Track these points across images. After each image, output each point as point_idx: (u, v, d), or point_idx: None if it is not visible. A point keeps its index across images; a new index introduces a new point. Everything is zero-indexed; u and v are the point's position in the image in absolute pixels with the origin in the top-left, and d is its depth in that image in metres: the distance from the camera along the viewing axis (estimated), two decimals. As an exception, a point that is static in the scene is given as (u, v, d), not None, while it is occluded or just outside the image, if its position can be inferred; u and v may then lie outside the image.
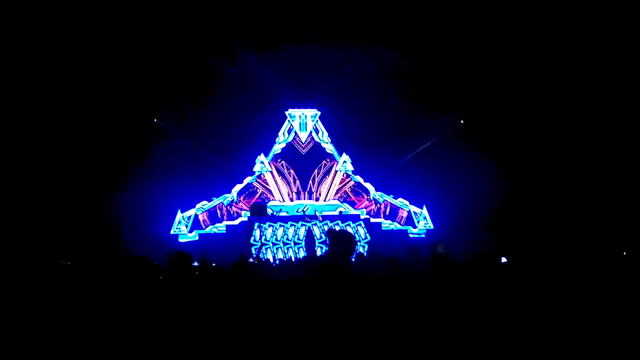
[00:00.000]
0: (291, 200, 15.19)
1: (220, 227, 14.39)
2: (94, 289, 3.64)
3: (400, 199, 15.33)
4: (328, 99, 15.52)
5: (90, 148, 12.21)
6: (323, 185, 15.43)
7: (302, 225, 13.01)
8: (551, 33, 11.41)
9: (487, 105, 13.69)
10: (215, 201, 14.77)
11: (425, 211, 14.91)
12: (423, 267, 3.91)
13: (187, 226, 14.06)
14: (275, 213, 13.90)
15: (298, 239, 12.80)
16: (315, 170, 15.51)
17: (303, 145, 15.74)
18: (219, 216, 14.66)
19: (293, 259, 11.56)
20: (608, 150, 12.42)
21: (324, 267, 2.72)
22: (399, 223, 15.07)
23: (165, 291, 3.50)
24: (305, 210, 14.41)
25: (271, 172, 15.31)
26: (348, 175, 15.61)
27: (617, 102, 12.04)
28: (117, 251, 10.78)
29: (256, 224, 12.89)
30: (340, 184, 15.50)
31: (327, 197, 15.35)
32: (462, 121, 14.76)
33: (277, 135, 15.76)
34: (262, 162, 15.28)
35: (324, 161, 15.65)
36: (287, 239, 12.83)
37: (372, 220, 14.40)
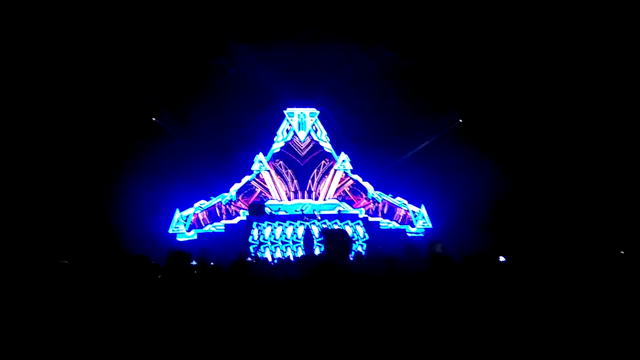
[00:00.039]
0: (289, 199, 15.20)
1: (218, 226, 14.40)
2: (93, 288, 3.63)
3: (399, 198, 15.35)
4: (327, 99, 15.53)
5: (89, 146, 12.20)
6: (322, 185, 15.44)
7: (300, 224, 13.02)
8: (549, 32, 11.42)
9: (485, 104, 13.70)
10: (214, 200, 14.77)
11: (423, 210, 14.93)
12: (421, 266, 3.91)
13: (185, 225, 14.06)
14: (273, 212, 13.90)
15: (296, 238, 12.80)
16: (315, 170, 15.52)
17: (301, 145, 15.74)
18: (218, 215, 14.67)
19: (291, 258, 11.56)
20: (607, 149, 12.43)
21: (322, 266, 2.72)
22: (397, 222, 15.09)
23: (164, 290, 3.50)
24: (303, 209, 14.42)
25: (269, 171, 15.31)
26: (347, 175, 15.63)
27: (616, 101, 12.06)
28: (116, 250, 10.77)
29: (254, 223, 12.89)
30: (339, 183, 15.51)
31: (326, 197, 15.36)
32: (460, 120, 14.78)
33: (276, 134, 15.77)
34: (260, 161, 15.29)
35: (323, 161, 15.66)
36: (286, 238, 12.83)
37: (371, 219, 14.42)
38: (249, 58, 13.68)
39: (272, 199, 15.08)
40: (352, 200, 15.46)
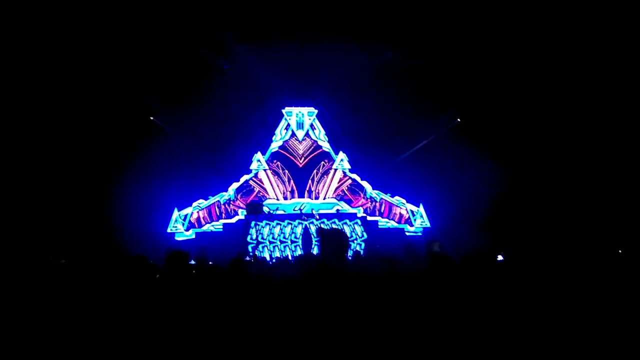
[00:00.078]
0: (285, 198, 15.20)
1: (217, 226, 14.38)
2: (91, 288, 3.63)
3: (397, 197, 15.36)
4: (326, 98, 15.53)
5: (86, 146, 12.18)
6: (322, 185, 15.45)
7: (299, 223, 13.02)
8: (547, 32, 11.44)
9: (484, 103, 13.72)
10: (212, 199, 14.76)
11: (422, 209, 14.95)
12: (419, 265, 3.93)
13: (184, 225, 14.05)
14: (271, 211, 13.90)
15: (295, 237, 12.81)
16: (314, 171, 15.54)
17: (300, 144, 15.74)
18: (216, 214, 14.66)
19: (290, 257, 11.57)
20: (605, 148, 12.47)
21: (320, 265, 2.72)
22: (396, 221, 15.10)
23: (162, 290, 3.50)
24: (302, 208, 14.41)
25: (265, 171, 15.32)
26: (345, 174, 15.64)
27: (615, 100, 12.08)
28: (114, 250, 10.75)
29: (253, 223, 12.89)
30: (338, 182, 15.52)
31: (325, 196, 15.37)
32: (458, 119, 14.80)
33: (274, 134, 15.77)
34: (259, 160, 15.29)
35: (322, 162, 15.67)
36: (284, 237, 12.83)
37: (369, 218, 14.44)
38: (247, 57, 13.67)
39: (270, 199, 15.08)
40: (350, 199, 15.48)
